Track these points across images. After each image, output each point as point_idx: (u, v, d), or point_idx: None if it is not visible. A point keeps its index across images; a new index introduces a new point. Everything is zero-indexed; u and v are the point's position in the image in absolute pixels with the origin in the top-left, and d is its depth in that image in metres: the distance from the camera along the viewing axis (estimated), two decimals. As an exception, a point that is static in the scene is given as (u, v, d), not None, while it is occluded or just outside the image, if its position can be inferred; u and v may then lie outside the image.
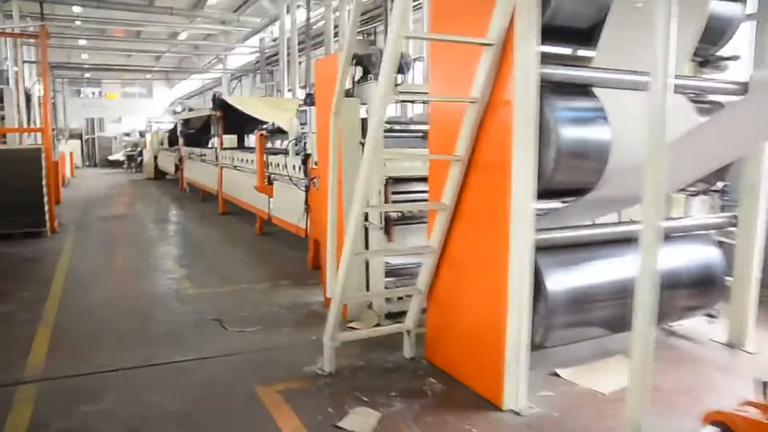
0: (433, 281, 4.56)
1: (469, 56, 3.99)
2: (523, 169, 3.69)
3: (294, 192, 8.40)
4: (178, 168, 19.25)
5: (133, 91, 43.06)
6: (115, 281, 7.62)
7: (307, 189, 7.86)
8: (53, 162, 15.28)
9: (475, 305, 4.15)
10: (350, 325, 5.60)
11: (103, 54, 30.76)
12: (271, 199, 9.74)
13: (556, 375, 4.49)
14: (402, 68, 5.67)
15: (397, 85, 5.65)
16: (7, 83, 14.57)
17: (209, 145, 19.20)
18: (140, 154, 27.53)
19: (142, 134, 30.60)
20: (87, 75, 38.46)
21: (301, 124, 7.58)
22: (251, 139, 20.21)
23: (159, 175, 23.96)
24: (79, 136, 35.05)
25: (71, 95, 40.08)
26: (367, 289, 5.85)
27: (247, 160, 10.96)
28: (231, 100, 12.81)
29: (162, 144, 23.56)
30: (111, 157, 33.06)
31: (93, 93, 41.87)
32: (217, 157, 13.46)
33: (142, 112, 37.96)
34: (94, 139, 35.76)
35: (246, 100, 13.54)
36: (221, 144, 13.34)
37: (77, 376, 4.49)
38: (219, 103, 13.14)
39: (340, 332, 4.58)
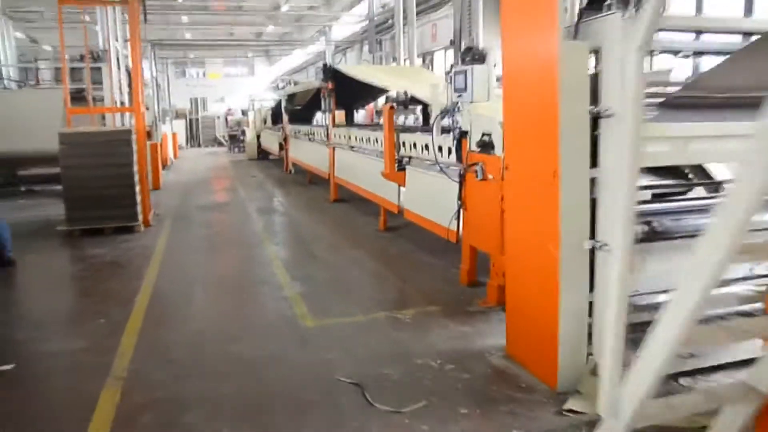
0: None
1: None
2: None
3: (440, 182, 6.33)
4: (282, 148, 17.73)
5: (235, 71, 42.75)
6: (213, 302, 5.86)
7: (462, 179, 5.77)
8: (152, 145, 14.08)
9: None
10: (569, 407, 3.49)
11: (205, 31, 29.94)
12: (402, 189, 7.73)
13: None
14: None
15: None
16: (106, 61, 13.41)
17: (313, 122, 17.62)
18: (242, 133, 26.47)
19: (244, 113, 29.65)
20: (191, 55, 38.14)
21: (457, 90, 5.46)
22: (360, 116, 18.52)
23: (262, 155, 22.71)
24: (184, 117, 34.68)
25: (176, 76, 40.09)
26: (589, 342, 3.73)
27: (368, 140, 8.99)
28: (345, 69, 10.88)
29: (265, 122, 22.26)
30: (218, 136, 32.62)
31: (197, 73, 41.89)
32: (328, 136, 11.63)
33: (243, 90, 37.27)
34: (197, 119, 35.33)
35: (363, 69, 11.58)
36: (333, 121, 11.47)
37: None
38: (331, 74, 11.25)
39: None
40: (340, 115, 12.69)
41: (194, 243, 8.40)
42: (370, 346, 4.53)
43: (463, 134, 5.66)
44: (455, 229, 6.03)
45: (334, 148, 11.34)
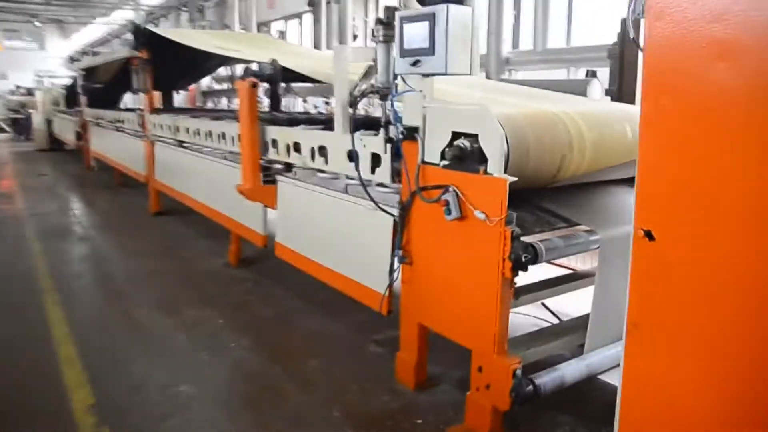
0: None
1: None
2: None
3: (350, 211, 3.81)
4: (81, 137, 13.87)
5: (20, 44, 36.22)
6: None
7: (405, 212, 3.30)
8: None
9: None
10: None
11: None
12: (269, 211, 5.08)
13: None
14: None
15: None
16: None
17: (121, 106, 13.99)
18: (28, 117, 21.47)
19: (31, 92, 24.35)
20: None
21: (408, 53, 2.94)
22: (180, 99, 15.26)
23: (55, 145, 18.28)
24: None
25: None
26: None
27: (209, 134, 6.11)
28: (168, 33, 7.78)
29: (57, 105, 17.86)
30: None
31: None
32: (143, 125, 8.47)
33: (32, 66, 31.21)
34: (-32, 98, 28.75)
35: (195, 35, 8.50)
36: (150, 105, 8.34)
37: None
38: (144, 39, 8.06)
39: None
40: (156, 97, 9.62)
41: None
42: None
43: (410, 133, 3.17)
44: (386, 294, 3.54)
45: (152, 142, 8.23)
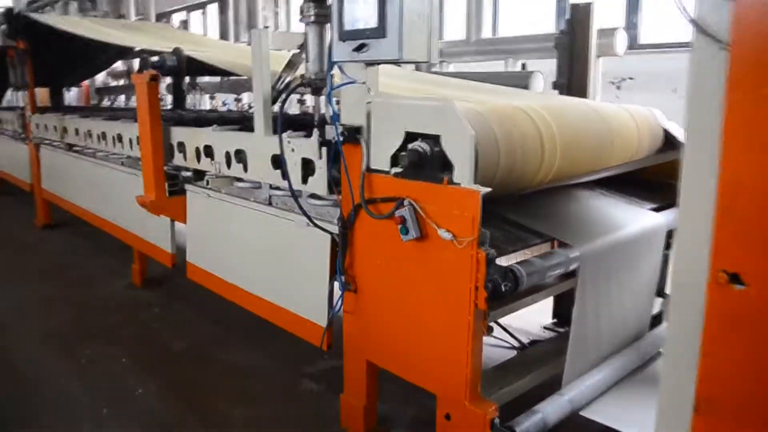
0: None
1: None
2: None
3: (276, 226, 3.22)
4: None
5: None
6: None
7: (346, 230, 2.75)
8: None
9: None
10: None
11: None
12: (177, 226, 4.39)
13: None
14: None
15: None
16: None
17: (3, 103, 12.57)
18: None
19: None
20: None
21: (348, 35, 2.39)
22: (72, 96, 14.01)
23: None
24: None
25: None
26: None
27: (103, 136, 5.28)
28: (51, 21, 6.79)
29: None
30: None
31: None
32: (25, 127, 7.44)
33: None
34: None
35: (84, 23, 7.51)
36: (33, 103, 7.32)
37: None
38: (21, 27, 7.02)
39: None
40: (42, 94, 8.60)
41: None
42: None
43: (351, 134, 2.61)
44: (324, 324, 2.98)
45: (38, 146, 7.23)
